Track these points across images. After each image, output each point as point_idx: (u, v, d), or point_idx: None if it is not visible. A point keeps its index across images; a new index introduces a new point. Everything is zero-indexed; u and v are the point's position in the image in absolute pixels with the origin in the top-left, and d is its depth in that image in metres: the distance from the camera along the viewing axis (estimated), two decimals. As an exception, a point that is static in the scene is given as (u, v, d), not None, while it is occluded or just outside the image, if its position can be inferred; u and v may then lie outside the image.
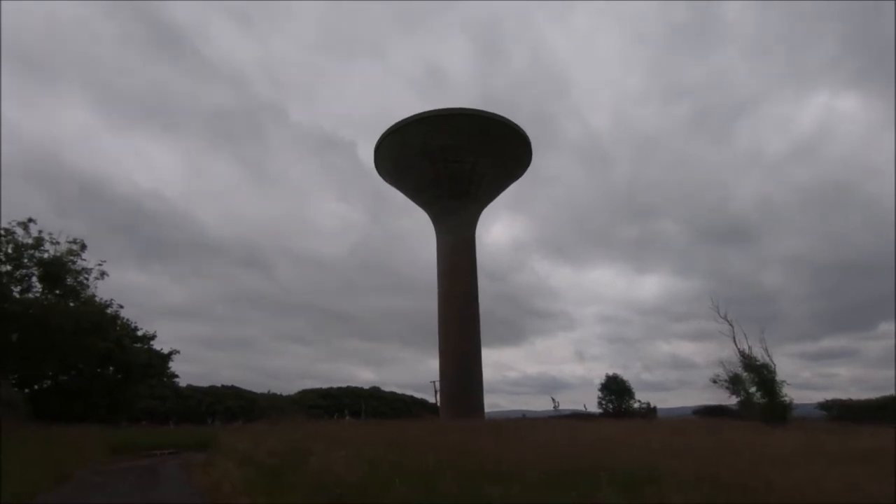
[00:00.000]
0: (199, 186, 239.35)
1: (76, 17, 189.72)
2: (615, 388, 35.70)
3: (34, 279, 17.26)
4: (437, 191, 43.09)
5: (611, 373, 37.61)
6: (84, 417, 25.65)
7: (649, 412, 37.47)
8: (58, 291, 17.44)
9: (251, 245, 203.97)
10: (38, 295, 17.28)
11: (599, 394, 37.30)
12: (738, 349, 26.39)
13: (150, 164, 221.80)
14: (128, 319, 31.43)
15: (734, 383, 32.75)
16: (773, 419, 23.08)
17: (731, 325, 28.06)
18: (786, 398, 24.28)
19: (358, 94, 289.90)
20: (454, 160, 41.53)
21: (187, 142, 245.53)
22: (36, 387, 28.70)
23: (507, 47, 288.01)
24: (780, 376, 25.04)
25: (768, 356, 25.51)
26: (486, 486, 4.91)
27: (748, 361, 25.53)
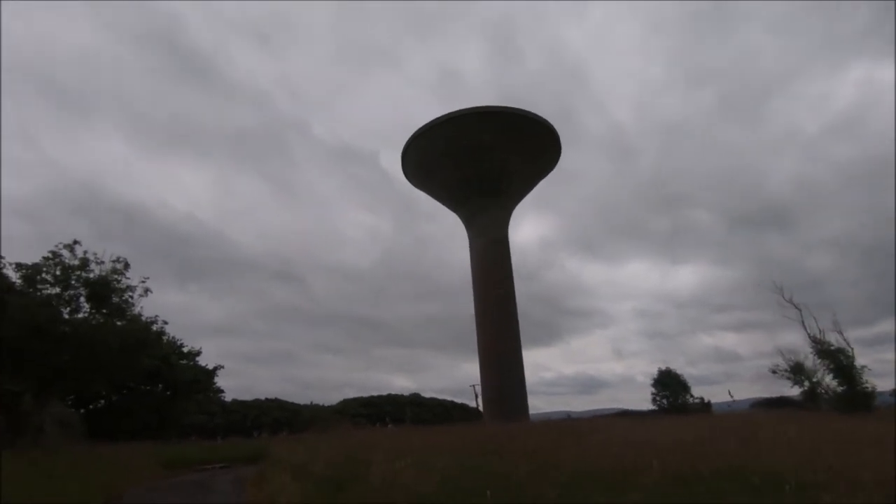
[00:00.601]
0: (230, 206, 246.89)
1: (107, 52, 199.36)
2: (669, 383, 33.82)
3: (82, 299, 17.58)
4: (466, 191, 42.41)
5: (662, 367, 35.71)
6: (135, 435, 26.02)
7: (703, 407, 35.48)
8: (105, 311, 17.69)
9: (283, 259, 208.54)
10: (86, 315, 17.59)
11: (653, 389, 35.51)
12: (809, 334, 24.51)
13: (182, 188, 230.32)
14: (173, 336, 31.95)
15: (796, 372, 30.76)
16: (853, 408, 21.18)
17: (798, 308, 26.25)
18: (867, 385, 22.30)
19: (377, 104, 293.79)
20: (482, 159, 40.78)
21: (216, 163, 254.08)
22: (91, 406, 29.40)
23: (521, 45, 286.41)
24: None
25: (844, 340, 23.56)
26: (595, 493, 4.13)
27: (822, 347, 23.64)
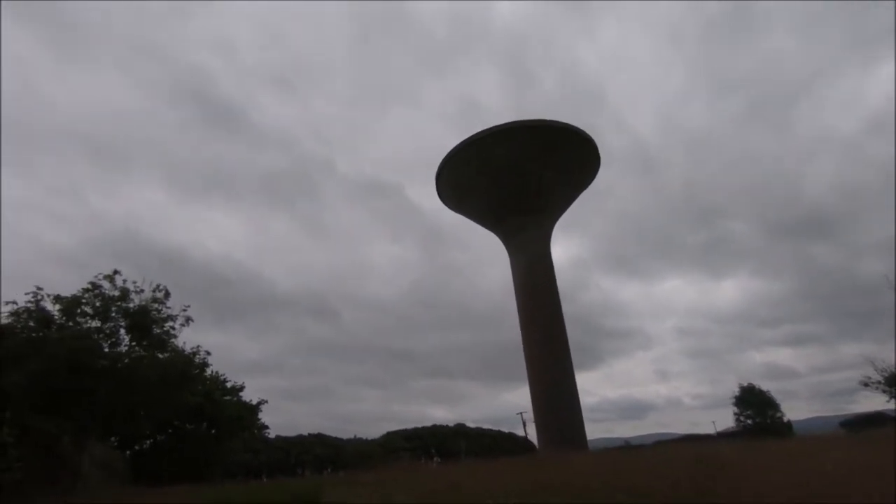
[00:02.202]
0: (263, 245, 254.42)
1: (141, 108, 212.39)
2: (754, 401, 30.47)
3: (122, 332, 16.97)
4: (505, 209, 41.20)
5: (744, 384, 32.06)
6: (179, 476, 25.09)
7: (785, 428, 31.90)
8: (145, 342, 17.03)
9: (316, 295, 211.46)
10: (126, 348, 16.93)
11: (735, 409, 32.19)
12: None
13: (218, 231, 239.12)
14: (216, 371, 31.34)
15: (892, 384, 27.45)
16: None
17: None
18: None
19: (399, 138, 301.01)
20: (519, 175, 39.60)
21: (248, 205, 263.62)
22: (136, 447, 28.80)
23: (535, 69, 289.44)
24: None
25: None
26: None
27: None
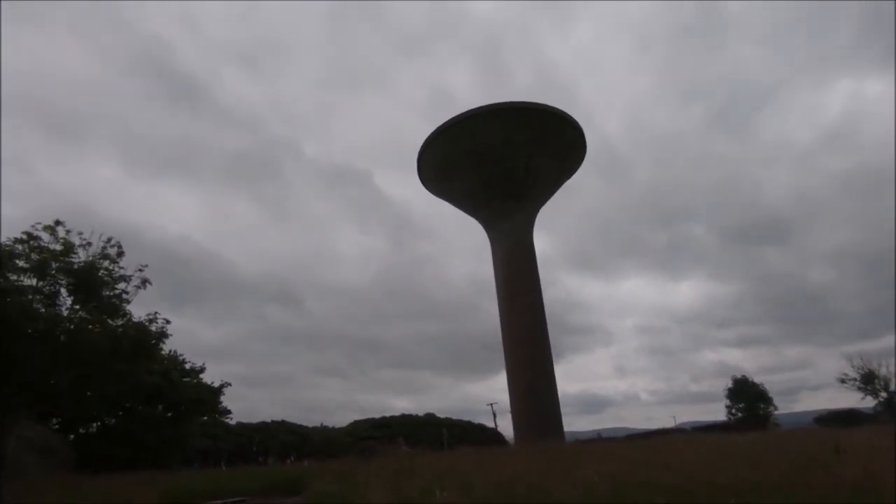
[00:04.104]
0: (224, 228, 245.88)
1: (98, 79, 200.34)
2: (747, 393, 30.07)
3: (62, 290, 14.33)
4: (488, 193, 39.89)
5: (738, 376, 31.21)
6: (132, 463, 22.79)
7: (764, 420, 31.96)
8: (93, 304, 14.48)
9: (280, 281, 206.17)
10: (68, 311, 14.38)
11: (727, 401, 31.88)
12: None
13: (176, 211, 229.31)
14: (175, 351, 28.89)
15: (867, 382, 27.80)
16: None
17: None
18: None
19: (368, 124, 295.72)
20: (505, 159, 38.34)
21: (210, 186, 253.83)
22: (83, 431, 26.21)
23: (509, 64, 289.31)
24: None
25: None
26: None
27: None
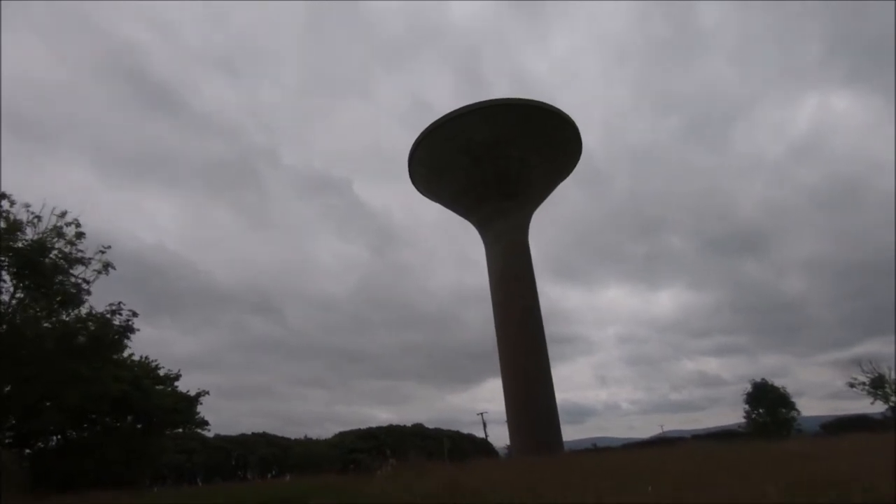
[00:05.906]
0: (200, 236, 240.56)
1: (66, 83, 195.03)
2: (770, 398, 28.56)
3: (3, 273, 11.92)
4: (482, 193, 38.55)
5: (757, 380, 29.39)
6: (96, 481, 20.46)
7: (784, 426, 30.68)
8: (43, 289, 12.11)
9: (259, 290, 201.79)
10: (15, 301, 12.02)
11: (746, 406, 30.53)
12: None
13: (150, 219, 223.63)
14: (146, 357, 26.61)
15: (877, 386, 26.91)
16: None
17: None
18: None
19: (348, 133, 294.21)
20: (500, 157, 37.10)
21: (186, 194, 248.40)
22: (41, 445, 23.69)
23: (487, 75, 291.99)
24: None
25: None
26: None
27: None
